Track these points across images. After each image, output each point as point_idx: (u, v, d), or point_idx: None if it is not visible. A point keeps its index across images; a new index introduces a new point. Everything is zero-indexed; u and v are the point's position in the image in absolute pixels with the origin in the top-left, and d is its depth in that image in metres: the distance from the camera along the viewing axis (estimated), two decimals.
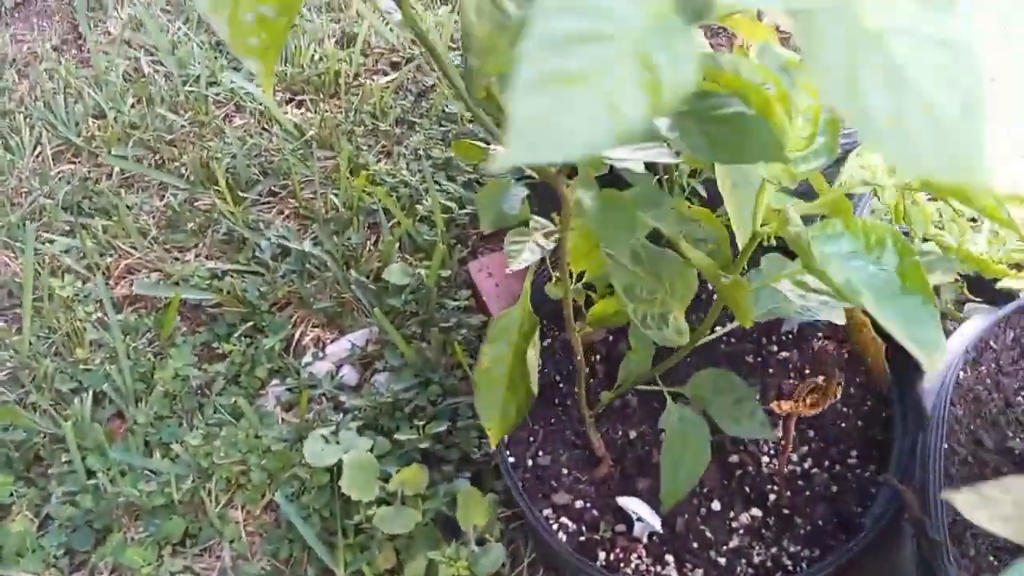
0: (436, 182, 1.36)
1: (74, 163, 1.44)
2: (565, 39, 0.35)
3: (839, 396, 0.75)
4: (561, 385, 1.00)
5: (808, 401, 0.74)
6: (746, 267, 0.63)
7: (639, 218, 0.59)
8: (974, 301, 0.89)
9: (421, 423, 1.07)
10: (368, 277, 1.27)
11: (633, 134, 0.34)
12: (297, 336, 1.25)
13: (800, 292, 0.59)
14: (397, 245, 1.30)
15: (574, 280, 0.79)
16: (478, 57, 0.57)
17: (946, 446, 0.74)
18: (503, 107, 0.56)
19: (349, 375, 1.20)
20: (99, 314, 1.23)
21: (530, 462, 0.94)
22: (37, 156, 1.44)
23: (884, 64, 0.36)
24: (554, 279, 0.88)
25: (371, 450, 1.05)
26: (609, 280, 0.68)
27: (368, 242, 1.31)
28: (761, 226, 0.58)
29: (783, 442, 0.83)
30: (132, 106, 1.51)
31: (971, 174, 0.36)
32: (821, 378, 0.75)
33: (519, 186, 0.64)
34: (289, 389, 1.18)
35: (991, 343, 0.82)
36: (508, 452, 0.92)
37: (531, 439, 0.96)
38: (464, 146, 0.62)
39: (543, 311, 0.85)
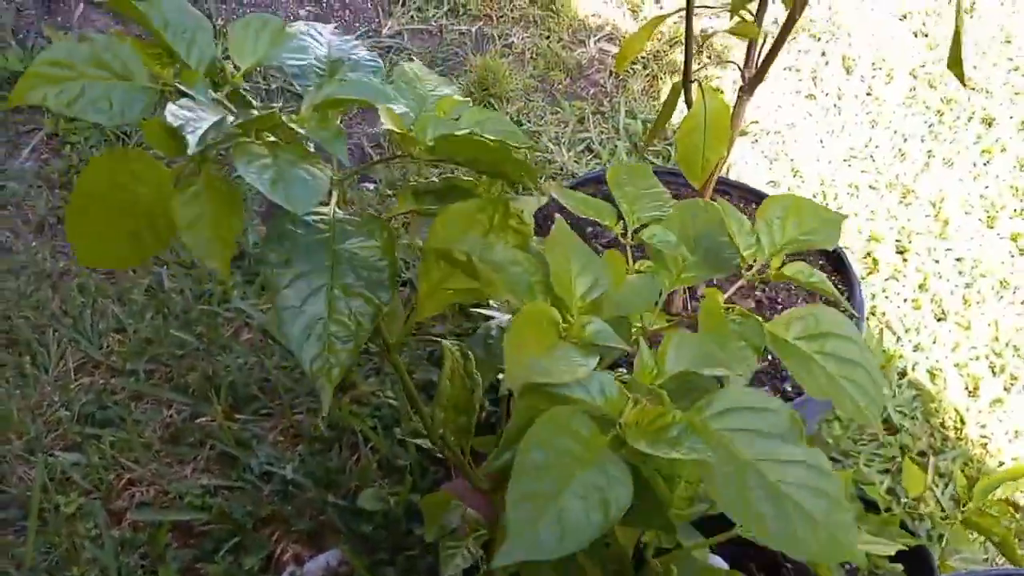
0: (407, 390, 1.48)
1: (92, 376, 1.59)
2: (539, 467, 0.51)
3: None
4: None
5: None
6: None
7: None
8: None
9: None
10: (345, 498, 1.38)
11: (594, 536, 0.49)
12: (278, 553, 1.35)
13: None
14: (375, 466, 1.42)
15: None
16: (442, 410, 0.73)
17: None
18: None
19: None
20: (96, 531, 1.34)
21: None
22: (62, 369, 1.59)
23: (764, 483, 0.52)
24: None
25: None
26: None
27: (348, 463, 1.43)
28: None
29: None
30: (150, 320, 1.67)
31: (843, 553, 0.52)
32: None
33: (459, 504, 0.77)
34: None
35: None
36: None
37: None
38: (433, 501, 0.75)
39: None
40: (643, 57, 2.40)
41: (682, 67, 1.02)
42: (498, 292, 0.60)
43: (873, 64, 2.35)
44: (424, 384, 1.52)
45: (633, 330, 0.70)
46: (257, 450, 1.45)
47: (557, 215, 0.69)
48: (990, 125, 2.14)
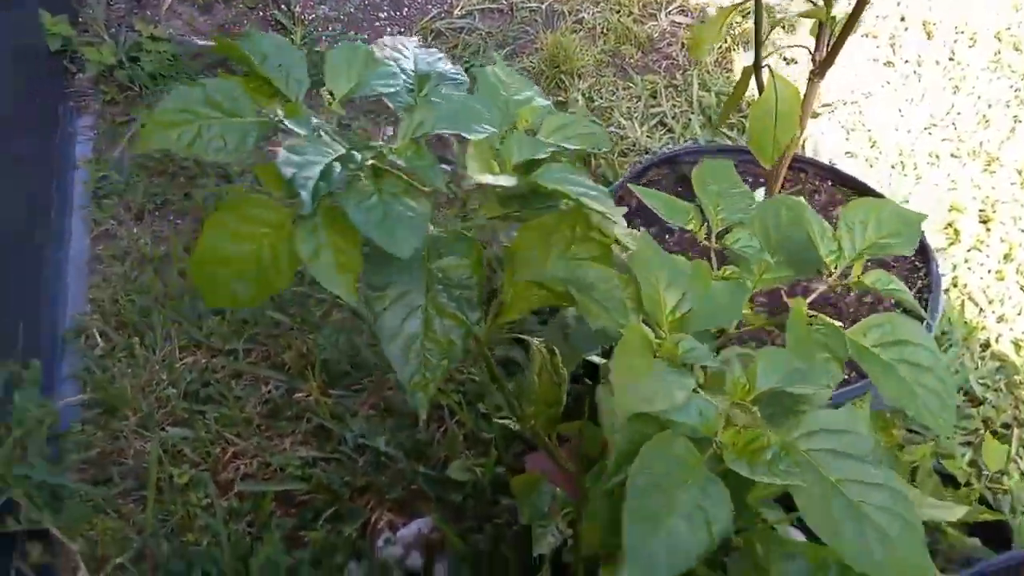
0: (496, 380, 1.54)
1: (195, 355, 1.70)
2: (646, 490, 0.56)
3: None
4: None
5: None
6: None
7: None
8: None
9: None
10: (435, 469, 1.45)
11: (701, 554, 0.54)
12: (373, 520, 1.44)
13: None
14: (462, 438, 1.49)
15: None
16: (532, 405, 0.79)
17: None
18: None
19: (415, 560, 1.37)
20: (207, 500, 1.45)
21: None
22: (167, 350, 1.70)
23: (847, 504, 0.56)
24: None
25: None
26: None
27: (436, 436, 1.50)
28: None
29: None
30: None
31: (916, 572, 0.56)
32: None
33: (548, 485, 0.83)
34: (365, 573, 1.36)
35: None
36: None
37: None
38: (523, 484, 0.80)
39: None
40: (697, 28, 2.39)
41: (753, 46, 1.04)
42: (594, 315, 0.64)
43: (955, 27, 2.29)
44: (504, 361, 1.57)
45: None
46: (351, 423, 1.53)
47: (641, 228, 0.73)
48: None
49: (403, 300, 0.66)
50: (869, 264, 0.79)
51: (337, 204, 0.62)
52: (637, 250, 0.67)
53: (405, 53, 0.79)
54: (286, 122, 0.66)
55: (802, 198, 1.24)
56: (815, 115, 2.06)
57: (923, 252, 1.24)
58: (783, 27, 2.28)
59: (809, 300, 0.74)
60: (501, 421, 1.36)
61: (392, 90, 0.74)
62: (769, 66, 1.00)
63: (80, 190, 2.07)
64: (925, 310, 1.16)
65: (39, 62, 2.25)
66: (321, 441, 1.54)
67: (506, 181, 0.65)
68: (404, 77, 0.77)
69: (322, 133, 0.67)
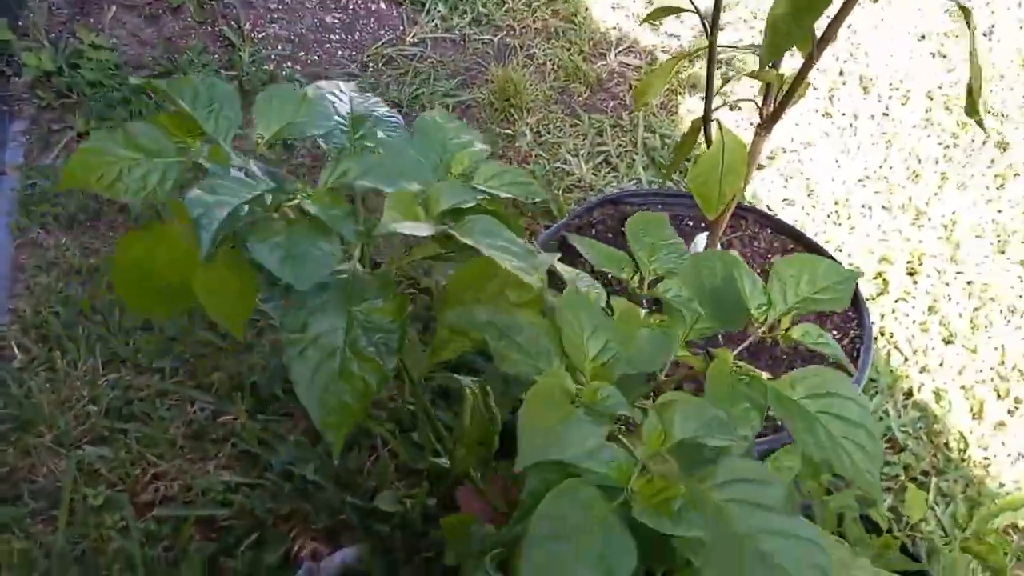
0: (434, 407, 1.52)
1: (119, 372, 1.64)
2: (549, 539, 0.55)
3: None
4: None
5: None
6: None
7: None
8: None
9: None
10: (363, 498, 1.42)
11: None
12: (296, 548, 1.39)
13: None
14: (393, 468, 1.46)
15: None
16: (464, 447, 0.78)
17: None
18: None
19: None
20: (123, 523, 1.39)
21: None
22: (90, 365, 1.64)
23: (758, 555, 0.56)
24: None
25: None
26: None
27: (367, 465, 1.47)
28: None
29: None
30: (175, 319, 1.71)
31: None
32: None
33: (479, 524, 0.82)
34: None
35: None
36: None
37: None
38: (453, 524, 0.79)
39: None
40: (641, 81, 2.44)
41: (704, 92, 1.06)
42: (508, 362, 0.64)
43: (890, 84, 2.38)
44: (444, 391, 1.56)
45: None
46: (278, 449, 1.49)
47: (569, 279, 0.73)
48: (1004, 149, 2.17)
49: (321, 341, 0.65)
50: (800, 317, 0.80)
51: (235, 248, 0.61)
52: (563, 297, 0.67)
53: (342, 96, 0.79)
54: (206, 164, 0.65)
55: (734, 252, 1.26)
56: (760, 167, 2.11)
57: (856, 304, 1.27)
58: (728, 76, 2.34)
59: (737, 351, 0.75)
60: (433, 460, 1.34)
61: (323, 132, 0.73)
62: (718, 120, 1.02)
63: (7, 196, 2.00)
64: (857, 360, 1.18)
65: None
66: (246, 466, 1.49)
67: (423, 231, 0.65)
68: (338, 119, 0.76)
69: (246, 174, 0.66)
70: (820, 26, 0.95)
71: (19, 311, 1.74)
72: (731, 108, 2.25)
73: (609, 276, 0.83)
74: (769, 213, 1.40)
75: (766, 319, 0.78)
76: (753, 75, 0.99)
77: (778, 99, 1.02)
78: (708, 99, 1.04)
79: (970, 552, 0.95)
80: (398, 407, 1.54)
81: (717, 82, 1.06)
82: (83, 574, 1.32)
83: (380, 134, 0.75)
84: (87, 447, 1.50)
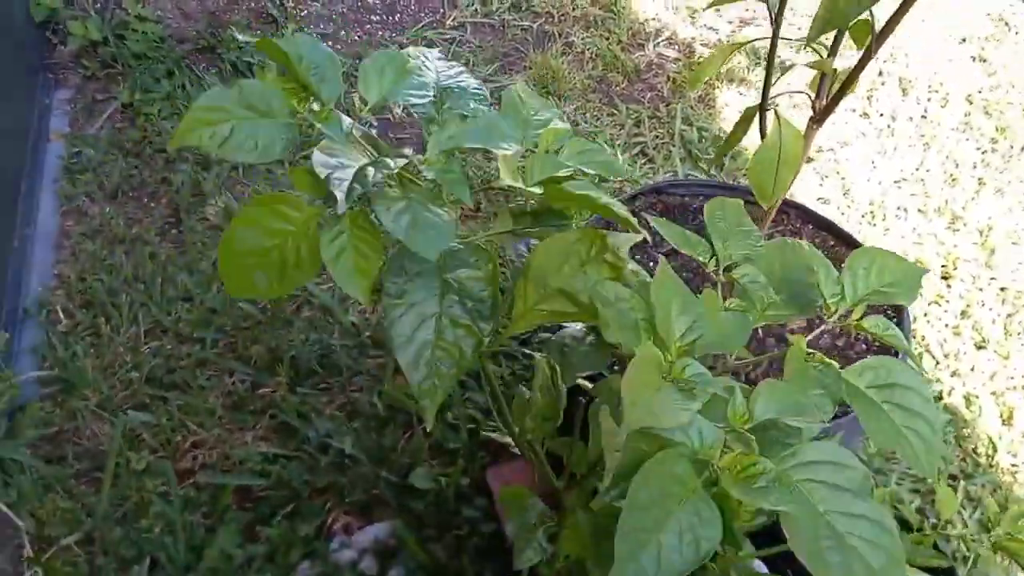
0: (464, 392, 1.55)
1: (161, 340, 1.68)
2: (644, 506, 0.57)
3: None
4: None
5: None
6: None
7: None
8: None
9: None
10: (398, 475, 1.45)
11: (686, 572, 0.55)
12: (330, 521, 1.43)
13: None
14: (427, 446, 1.49)
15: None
16: (532, 419, 0.80)
17: None
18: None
19: (369, 565, 1.37)
20: (164, 488, 1.43)
21: None
22: (133, 332, 1.67)
23: (833, 534, 0.58)
24: None
25: None
26: None
27: (400, 442, 1.50)
28: None
29: None
30: (216, 292, 1.75)
31: None
32: None
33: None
34: (318, 572, 1.35)
35: None
36: None
37: None
38: (512, 495, 0.82)
39: None
40: (699, 61, 2.45)
41: (760, 88, 1.07)
42: (610, 330, 0.66)
43: (929, 87, 2.38)
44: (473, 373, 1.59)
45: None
46: (316, 422, 1.52)
47: (662, 258, 0.75)
48: None
49: (417, 308, 0.67)
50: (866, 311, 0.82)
51: (363, 209, 0.63)
52: (657, 276, 0.69)
53: (428, 65, 0.80)
54: (319, 126, 0.66)
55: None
56: (809, 159, 2.12)
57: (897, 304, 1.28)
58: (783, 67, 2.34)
59: (809, 337, 0.77)
60: (489, 433, 1.36)
61: (422, 101, 0.75)
62: (776, 110, 1.03)
63: (53, 164, 2.04)
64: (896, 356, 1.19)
65: (22, 30, 2.21)
66: (284, 438, 1.53)
67: (533, 188, 0.67)
68: (428, 89, 0.78)
69: (355, 138, 0.67)
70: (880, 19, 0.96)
71: (64, 277, 1.78)
72: (788, 97, 2.25)
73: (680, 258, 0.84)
74: (811, 209, 1.41)
75: (838, 308, 0.80)
76: (812, 65, 1.01)
77: (831, 93, 1.03)
78: (766, 88, 1.05)
79: (1004, 550, 0.97)
80: None
81: (776, 73, 1.07)
82: (125, 535, 1.36)
83: (472, 104, 0.76)
84: (130, 412, 1.53)
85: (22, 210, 1.88)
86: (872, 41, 0.96)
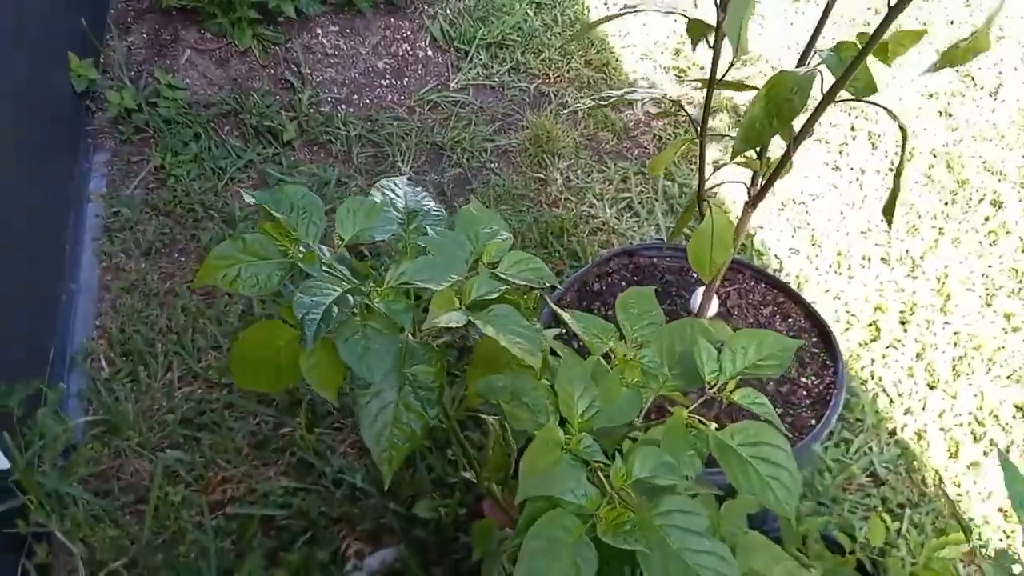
0: (464, 431, 1.74)
1: (192, 386, 1.87)
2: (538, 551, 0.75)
3: None
4: None
5: None
6: None
7: None
8: None
9: None
10: (403, 506, 1.64)
11: None
12: (344, 547, 1.61)
13: None
14: (429, 481, 1.67)
15: None
16: (487, 471, 0.98)
17: None
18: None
19: None
20: (198, 518, 1.62)
21: None
22: (167, 379, 1.87)
23: (683, 566, 0.76)
24: None
25: None
26: None
27: (407, 476, 1.69)
28: None
29: None
30: None
31: None
32: None
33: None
34: None
35: None
36: None
37: None
38: (481, 527, 1.00)
39: None
40: (684, 122, 2.65)
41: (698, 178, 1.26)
42: (518, 421, 0.87)
43: (897, 141, 2.57)
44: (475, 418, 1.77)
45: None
46: (331, 459, 1.71)
47: (567, 349, 0.95)
48: (999, 208, 2.35)
49: (381, 396, 0.88)
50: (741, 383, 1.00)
51: (328, 339, 0.84)
52: (561, 367, 0.89)
53: (398, 192, 1.01)
54: (302, 265, 0.87)
55: (732, 302, 1.46)
56: (749, 236, 2.30)
57: (832, 352, 1.46)
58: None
59: (690, 408, 0.95)
60: (463, 475, 1.55)
61: (387, 236, 0.96)
62: (709, 201, 1.22)
63: (93, 223, 2.25)
64: (829, 403, 1.37)
65: (64, 101, 2.44)
66: (303, 473, 1.72)
67: (456, 322, 0.87)
68: (396, 215, 0.99)
69: (331, 270, 0.88)
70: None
71: (106, 328, 1.98)
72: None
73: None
74: (762, 269, 1.59)
75: (716, 382, 0.98)
76: (739, 163, 1.20)
77: (762, 182, 1.22)
78: (700, 184, 1.24)
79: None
80: (435, 427, 1.76)
81: (709, 169, 1.27)
82: (165, 560, 1.55)
83: (429, 230, 0.97)
84: (167, 450, 1.73)
85: (67, 267, 2.10)
86: (790, 144, 1.16)
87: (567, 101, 2.70)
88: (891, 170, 2.48)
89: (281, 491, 1.67)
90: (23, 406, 1.56)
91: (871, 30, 1.03)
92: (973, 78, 2.82)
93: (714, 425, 0.91)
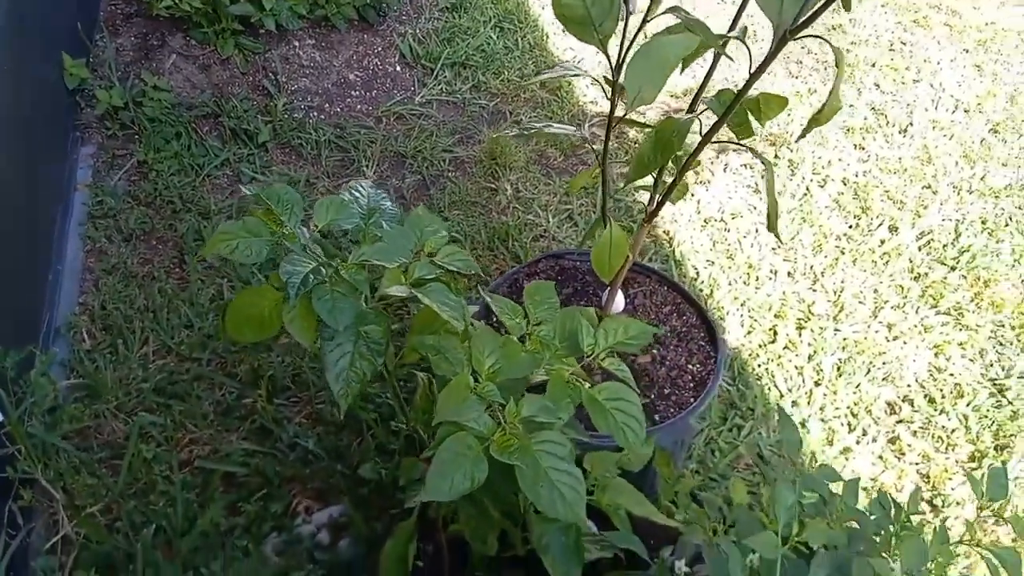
0: (406, 402, 1.98)
1: (165, 359, 2.10)
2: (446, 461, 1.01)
3: None
4: None
5: None
6: None
7: None
8: None
9: None
10: (350, 468, 1.87)
11: (467, 491, 0.98)
12: (295, 503, 1.85)
13: None
14: (374, 447, 1.91)
15: None
16: (415, 414, 1.23)
17: None
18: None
19: (324, 537, 1.79)
20: (167, 472, 1.84)
21: None
22: (143, 352, 2.10)
23: (547, 480, 1.02)
24: None
25: None
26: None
27: (353, 443, 1.93)
28: None
29: None
30: (211, 322, 2.17)
31: (576, 517, 1.01)
32: None
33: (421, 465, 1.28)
34: (284, 541, 1.76)
35: None
36: None
37: None
38: (408, 463, 1.25)
39: None
40: (626, 143, 2.92)
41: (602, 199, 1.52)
42: (440, 368, 1.13)
43: (813, 169, 2.86)
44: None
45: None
46: (287, 427, 1.95)
47: (480, 323, 1.21)
48: (895, 232, 2.64)
49: (340, 347, 1.13)
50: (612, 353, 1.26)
51: (306, 297, 1.09)
52: (475, 333, 1.15)
53: (362, 193, 1.27)
54: (287, 243, 1.12)
55: (640, 302, 1.72)
56: (645, 247, 2.58)
57: (714, 343, 1.72)
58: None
59: (572, 371, 1.21)
60: (400, 426, 1.79)
61: (351, 225, 1.21)
62: (610, 217, 1.48)
63: (79, 210, 2.47)
64: (707, 382, 1.64)
65: (58, 96, 2.65)
66: (262, 438, 1.95)
67: (402, 292, 1.13)
68: (359, 210, 1.24)
69: (308, 248, 1.13)
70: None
71: (88, 305, 2.20)
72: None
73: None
74: (666, 275, 1.85)
75: (594, 352, 1.25)
76: (639, 187, 1.45)
77: (655, 203, 1.48)
78: (603, 202, 1.51)
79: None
80: (381, 401, 2.00)
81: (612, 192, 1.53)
82: (137, 507, 1.77)
83: (384, 224, 1.22)
84: (141, 414, 1.95)
85: (55, 249, 2.31)
86: (678, 173, 1.42)
87: (521, 119, 2.96)
88: (805, 194, 2.77)
89: (242, 452, 1.90)
90: (16, 368, 1.78)
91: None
92: (887, 116, 3.13)
93: (588, 384, 1.17)
